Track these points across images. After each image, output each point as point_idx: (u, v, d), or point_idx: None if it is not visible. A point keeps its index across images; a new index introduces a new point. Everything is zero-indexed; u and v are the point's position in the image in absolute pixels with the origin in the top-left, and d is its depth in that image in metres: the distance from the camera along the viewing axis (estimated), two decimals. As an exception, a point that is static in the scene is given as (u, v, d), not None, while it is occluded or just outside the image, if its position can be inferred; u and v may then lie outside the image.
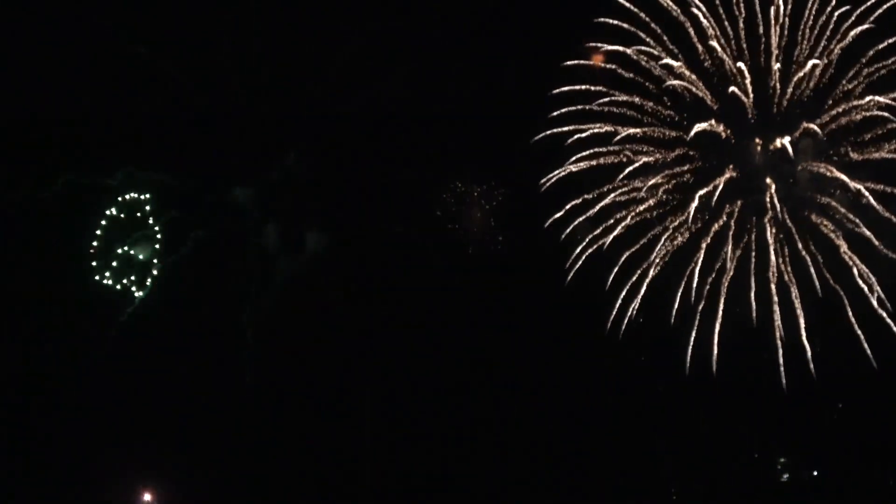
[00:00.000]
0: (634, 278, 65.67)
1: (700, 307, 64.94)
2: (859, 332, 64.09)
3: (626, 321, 66.32)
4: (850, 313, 64.04)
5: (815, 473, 70.80)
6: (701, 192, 64.68)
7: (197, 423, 69.71)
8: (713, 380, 65.69)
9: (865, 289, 64.26)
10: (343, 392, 71.06)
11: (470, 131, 69.06)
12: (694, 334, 65.15)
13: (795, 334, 64.57)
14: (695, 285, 64.93)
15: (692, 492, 70.96)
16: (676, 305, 65.24)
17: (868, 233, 64.26)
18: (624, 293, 66.04)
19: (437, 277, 71.15)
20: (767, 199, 65.15)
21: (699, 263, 65.08)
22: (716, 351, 65.52)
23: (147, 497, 69.51)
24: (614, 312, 66.43)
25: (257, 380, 69.92)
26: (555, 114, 66.08)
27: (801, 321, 64.42)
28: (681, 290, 65.26)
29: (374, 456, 70.53)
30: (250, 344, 69.53)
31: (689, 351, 65.41)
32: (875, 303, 64.05)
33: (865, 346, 64.14)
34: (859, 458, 68.89)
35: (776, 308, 64.45)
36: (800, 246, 65.12)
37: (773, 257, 64.94)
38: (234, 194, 70.59)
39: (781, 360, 64.58)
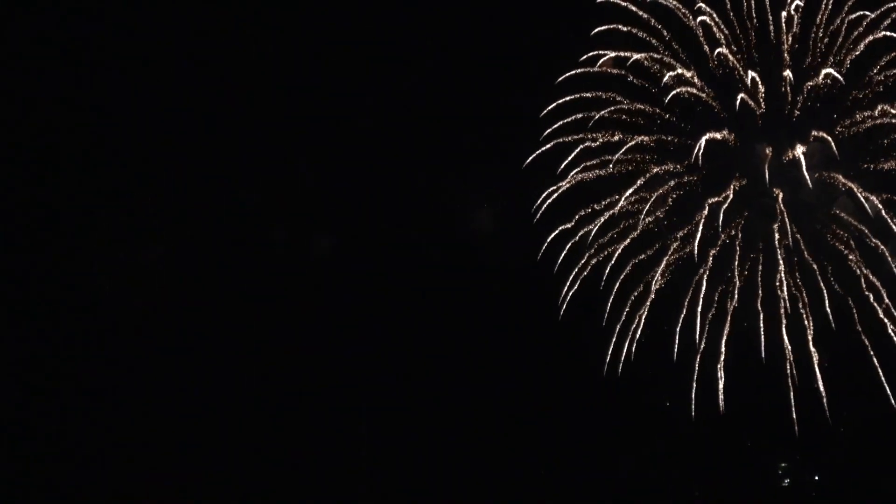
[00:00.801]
0: (641, 288, 65.45)
1: (709, 317, 64.77)
2: (866, 341, 64.07)
3: (632, 329, 66.21)
4: (858, 324, 64.01)
5: (817, 478, 70.88)
6: (710, 201, 64.34)
7: (200, 425, 69.60)
8: (718, 391, 65.55)
9: (871, 297, 64.21)
10: (343, 396, 70.96)
11: (477, 138, 68.78)
12: (703, 345, 64.98)
13: (803, 344, 64.48)
14: (702, 294, 64.72)
15: (693, 498, 71.11)
16: (683, 314, 65.05)
17: (876, 241, 64.07)
18: (630, 302, 65.90)
19: (441, 281, 71.16)
20: (776, 208, 64.84)
21: (707, 272, 64.79)
22: (722, 358, 65.37)
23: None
24: (621, 320, 66.28)
25: (261, 382, 69.72)
26: (557, 124, 65.82)
27: (809, 331, 64.28)
28: (688, 299, 65.06)
29: (371, 464, 70.44)
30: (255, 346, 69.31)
31: (697, 361, 65.28)
32: (881, 313, 63.94)
33: (872, 355, 64.08)
34: (861, 463, 69.04)
35: (784, 320, 64.29)
36: (806, 255, 64.90)
37: (781, 265, 64.70)
38: (241, 197, 70.17)
39: (789, 372, 64.49)
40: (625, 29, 64.99)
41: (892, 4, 63.84)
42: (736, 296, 64.51)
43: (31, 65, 66.49)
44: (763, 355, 64.45)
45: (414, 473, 71.16)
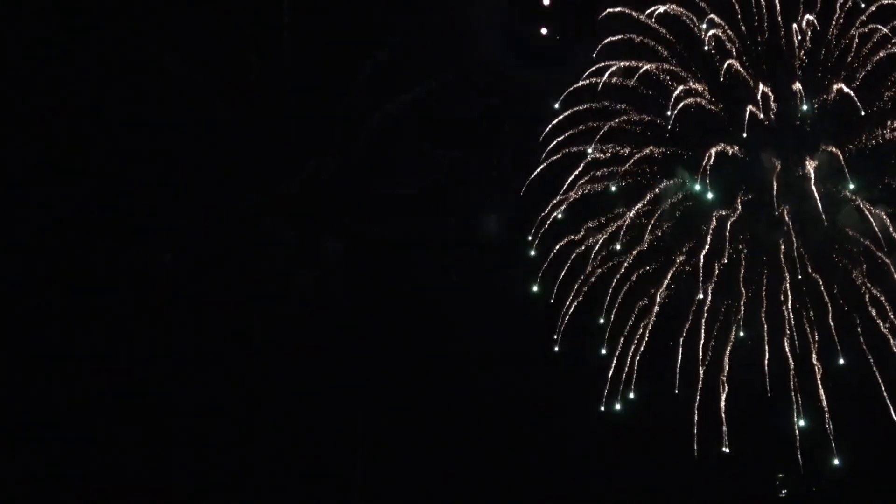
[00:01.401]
0: (644, 301, 65.34)
1: (714, 330, 64.67)
2: (870, 356, 64.07)
3: (635, 340, 66.12)
4: (862, 338, 63.98)
5: (814, 489, 70.98)
6: (718, 214, 64.08)
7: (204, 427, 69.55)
8: (720, 401, 65.60)
9: (875, 312, 64.16)
10: (344, 400, 70.86)
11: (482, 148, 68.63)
12: (709, 356, 64.94)
13: (806, 358, 64.47)
14: (707, 308, 64.60)
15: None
16: (688, 325, 64.99)
17: (881, 256, 63.96)
18: (634, 312, 65.76)
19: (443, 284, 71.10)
20: (783, 221, 64.65)
21: (712, 285, 64.69)
22: (726, 367, 65.31)
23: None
24: (627, 327, 66.18)
25: (267, 384, 69.64)
26: (559, 138, 65.38)
27: (813, 345, 64.25)
28: (692, 311, 64.96)
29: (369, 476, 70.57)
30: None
31: (701, 374, 65.24)
32: (885, 329, 63.90)
33: (874, 369, 64.08)
34: (861, 477, 69.11)
35: (787, 333, 64.20)
36: (810, 269, 64.79)
37: (786, 279, 64.61)
38: (251, 201, 69.81)
39: (792, 385, 64.45)
40: (637, 39, 64.58)
41: (905, 18, 63.61)
42: (742, 309, 64.50)
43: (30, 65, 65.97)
44: (766, 369, 64.47)
45: (411, 476, 71.18)
